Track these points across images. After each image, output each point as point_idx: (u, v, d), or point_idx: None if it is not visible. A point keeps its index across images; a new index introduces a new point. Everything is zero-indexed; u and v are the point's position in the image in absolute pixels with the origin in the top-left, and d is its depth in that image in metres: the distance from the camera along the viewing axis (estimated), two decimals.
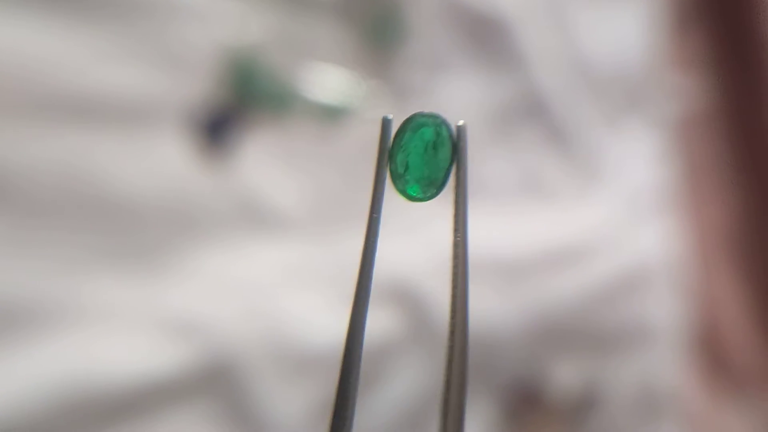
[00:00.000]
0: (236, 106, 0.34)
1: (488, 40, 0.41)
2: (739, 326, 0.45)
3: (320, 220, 0.35)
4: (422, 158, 0.18)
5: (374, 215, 0.18)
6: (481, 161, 0.40)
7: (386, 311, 0.36)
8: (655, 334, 0.42)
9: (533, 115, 0.42)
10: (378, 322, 0.36)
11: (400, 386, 0.36)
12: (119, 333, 0.31)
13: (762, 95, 0.46)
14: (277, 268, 0.34)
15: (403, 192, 0.18)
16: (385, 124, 0.18)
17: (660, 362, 0.42)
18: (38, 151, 0.30)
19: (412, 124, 0.18)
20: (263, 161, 0.35)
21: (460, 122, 0.17)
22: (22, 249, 0.30)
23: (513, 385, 0.39)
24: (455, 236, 0.18)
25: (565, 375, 0.40)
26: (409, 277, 0.37)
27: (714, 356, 0.44)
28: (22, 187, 0.30)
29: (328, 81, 0.36)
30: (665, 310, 0.42)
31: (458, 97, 0.39)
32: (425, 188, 0.18)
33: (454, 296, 0.17)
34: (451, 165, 0.18)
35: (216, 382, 0.32)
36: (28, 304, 0.30)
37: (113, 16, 0.32)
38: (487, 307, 0.38)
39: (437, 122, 0.18)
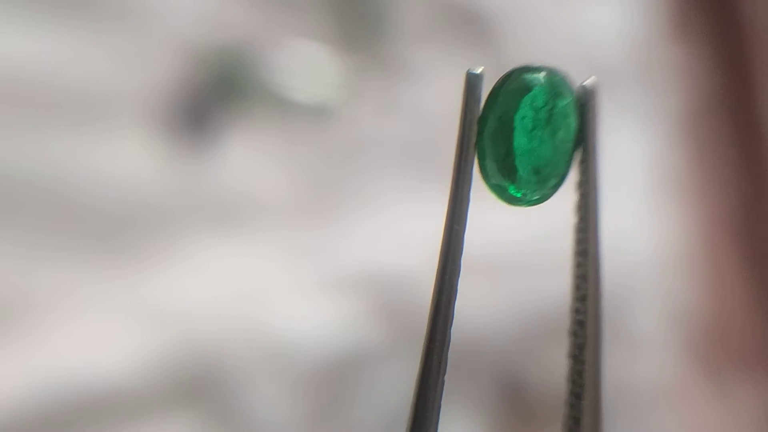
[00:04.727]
0: (216, 98, 0.34)
1: (475, 18, 0.40)
2: (743, 315, 0.45)
3: (304, 215, 0.35)
4: (532, 138, 0.11)
5: (455, 227, 0.12)
6: None
7: (366, 308, 0.35)
8: (649, 328, 0.41)
9: None
10: (359, 322, 0.35)
11: (388, 388, 0.36)
12: (94, 333, 0.31)
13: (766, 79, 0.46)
14: (261, 266, 0.34)
15: (500, 190, 0.12)
16: (472, 81, 0.11)
17: (652, 357, 0.41)
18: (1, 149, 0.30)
19: (514, 84, 0.11)
20: (244, 155, 0.34)
21: (588, 81, 0.12)
22: None
23: (498, 383, 0.39)
24: (578, 239, 0.12)
25: (551, 372, 0.40)
26: (393, 272, 0.36)
27: (718, 345, 0.43)
28: None
29: (309, 68, 0.36)
30: (659, 303, 0.42)
31: (444, 78, 0.39)
32: (535, 185, 0.12)
33: (582, 301, 0.13)
34: (576, 148, 0.12)
35: (199, 382, 0.32)
36: None
37: (77, 9, 0.31)
38: (470, 304, 0.38)
39: (554, 81, 0.11)
